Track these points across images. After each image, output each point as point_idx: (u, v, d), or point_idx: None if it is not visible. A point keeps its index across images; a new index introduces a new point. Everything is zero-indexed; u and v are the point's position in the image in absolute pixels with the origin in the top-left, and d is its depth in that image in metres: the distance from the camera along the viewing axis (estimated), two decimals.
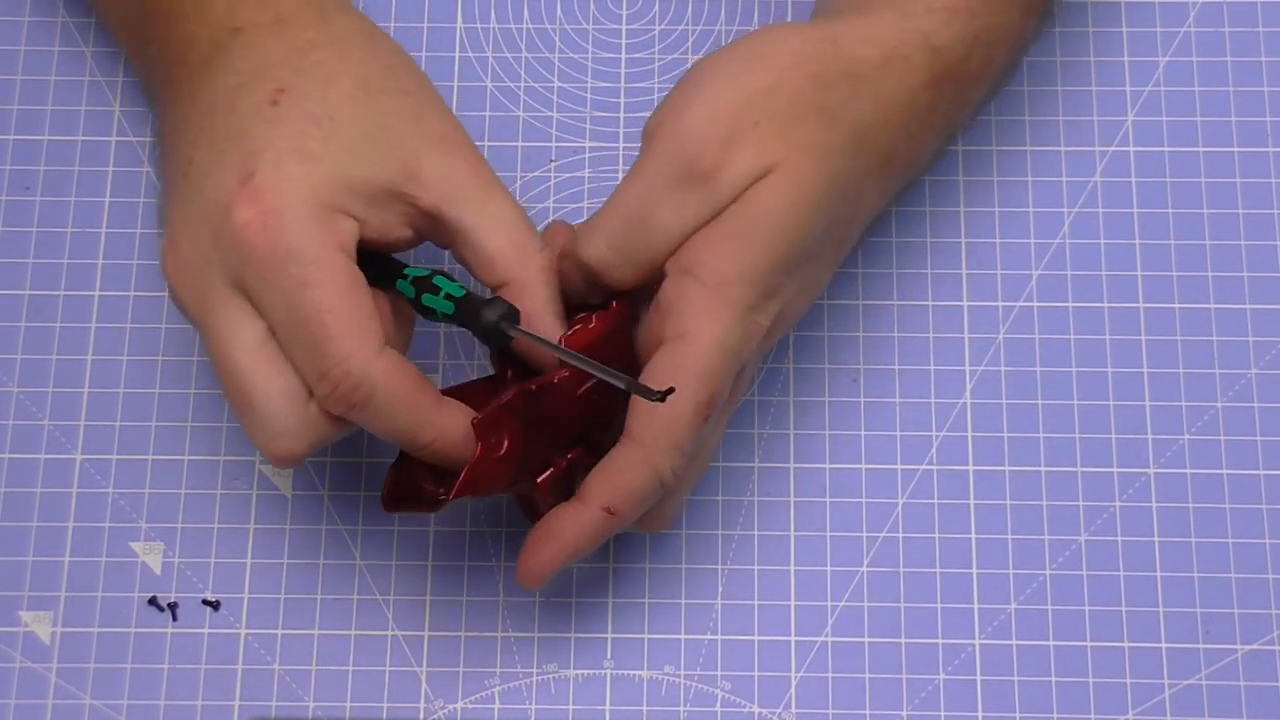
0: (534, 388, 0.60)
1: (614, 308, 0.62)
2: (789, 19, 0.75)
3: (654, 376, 0.59)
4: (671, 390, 0.58)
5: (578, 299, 0.63)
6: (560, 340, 0.60)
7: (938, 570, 0.67)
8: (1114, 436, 0.69)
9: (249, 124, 0.59)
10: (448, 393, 0.61)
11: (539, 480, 0.61)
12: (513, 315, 0.60)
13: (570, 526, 0.60)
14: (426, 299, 0.60)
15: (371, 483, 0.69)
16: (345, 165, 0.59)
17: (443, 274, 0.61)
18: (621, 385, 0.58)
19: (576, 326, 0.61)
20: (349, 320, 0.58)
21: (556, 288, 0.62)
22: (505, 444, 0.59)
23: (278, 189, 0.58)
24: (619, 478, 0.60)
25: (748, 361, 0.61)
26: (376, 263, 0.61)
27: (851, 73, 0.62)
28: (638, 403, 0.59)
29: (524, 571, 0.60)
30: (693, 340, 0.59)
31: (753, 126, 0.60)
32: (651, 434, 0.59)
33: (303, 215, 0.58)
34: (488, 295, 0.61)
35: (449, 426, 0.60)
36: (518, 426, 0.60)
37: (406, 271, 0.61)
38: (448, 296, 0.60)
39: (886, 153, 0.63)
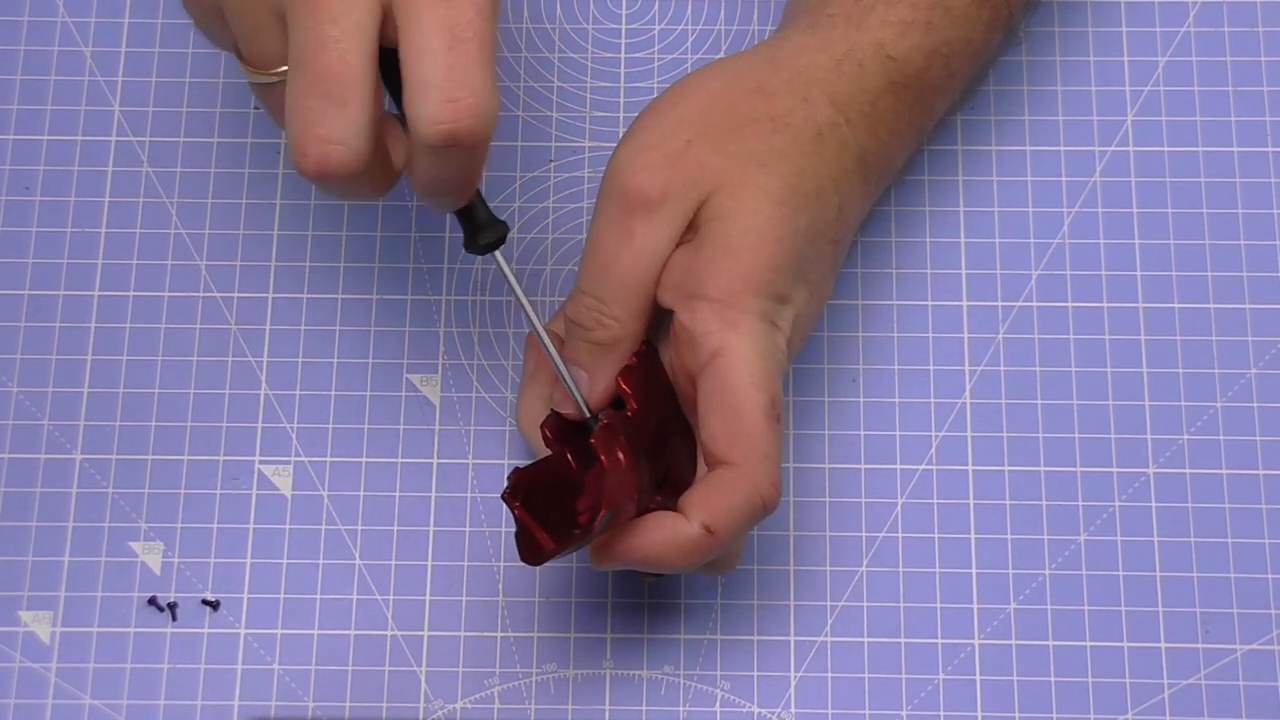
0: (629, 414, 0.61)
1: (643, 349, 0.62)
2: None
3: (709, 401, 0.60)
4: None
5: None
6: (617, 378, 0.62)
7: (937, 570, 0.67)
8: (1113, 436, 0.69)
9: None
10: (523, 474, 0.61)
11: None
12: (502, 241, 0.61)
13: (668, 530, 0.59)
14: None
15: (371, 483, 0.69)
16: None
17: None
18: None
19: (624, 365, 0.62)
20: (494, 54, 0.55)
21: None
22: (623, 456, 0.59)
23: None
24: (717, 493, 0.60)
25: (785, 370, 0.62)
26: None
27: (801, 79, 0.63)
28: (716, 431, 0.60)
29: (598, 548, 0.60)
30: (729, 352, 0.60)
31: (685, 146, 0.62)
32: (739, 451, 0.60)
33: None
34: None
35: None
36: (627, 445, 0.60)
37: None
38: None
39: (858, 153, 0.64)
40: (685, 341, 0.61)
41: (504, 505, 0.60)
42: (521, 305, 0.62)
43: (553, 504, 0.60)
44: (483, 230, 0.61)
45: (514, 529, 0.60)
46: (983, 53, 0.68)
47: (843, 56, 0.64)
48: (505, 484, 0.61)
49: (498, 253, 0.62)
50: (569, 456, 0.62)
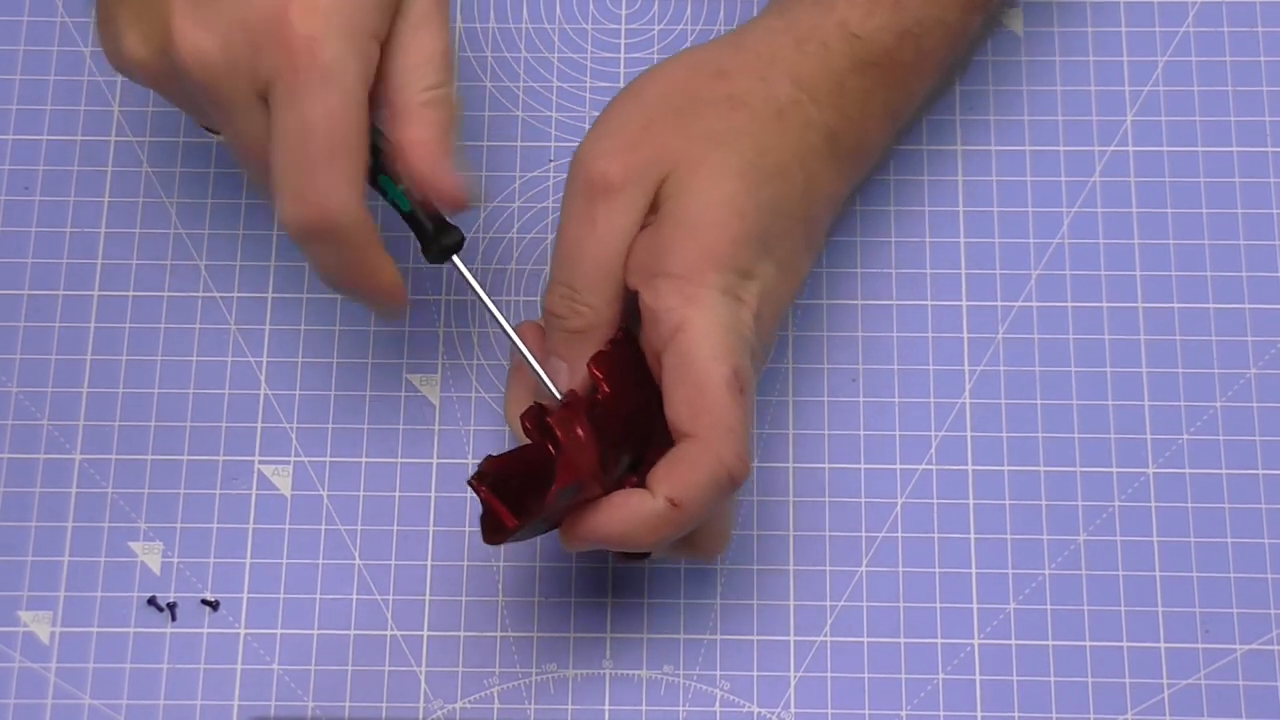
0: (599, 398, 0.61)
1: (619, 335, 0.62)
2: None
3: (672, 376, 0.60)
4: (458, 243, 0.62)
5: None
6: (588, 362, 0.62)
7: (937, 570, 0.67)
8: (1113, 436, 0.69)
9: None
10: (493, 461, 0.61)
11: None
12: (459, 245, 0.63)
13: (633, 505, 0.59)
14: (385, 180, 0.62)
15: (371, 483, 0.69)
16: None
17: None
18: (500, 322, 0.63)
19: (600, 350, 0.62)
20: (352, 157, 0.59)
21: (449, 132, 0.62)
22: (582, 432, 0.59)
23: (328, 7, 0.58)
24: (680, 466, 0.59)
25: (754, 345, 0.62)
26: None
27: (762, 60, 0.64)
28: (679, 405, 0.60)
29: (566, 528, 0.60)
30: (689, 327, 0.60)
31: (644, 129, 0.62)
32: (702, 424, 0.59)
33: (345, 40, 0.58)
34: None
35: (381, 273, 0.61)
36: (588, 424, 0.60)
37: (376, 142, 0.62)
38: (407, 193, 0.62)
39: (824, 131, 0.64)
40: (650, 321, 0.61)
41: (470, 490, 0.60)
42: (485, 305, 0.63)
43: (528, 491, 0.60)
44: (434, 239, 0.62)
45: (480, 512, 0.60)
46: (959, 34, 0.67)
47: (806, 36, 0.64)
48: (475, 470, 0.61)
49: (456, 257, 0.63)
50: (549, 447, 0.62)
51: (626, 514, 0.59)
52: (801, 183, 0.63)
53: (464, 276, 0.63)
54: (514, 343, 0.63)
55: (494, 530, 0.60)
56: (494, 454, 0.61)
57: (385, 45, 0.61)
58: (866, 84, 0.64)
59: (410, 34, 0.61)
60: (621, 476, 0.61)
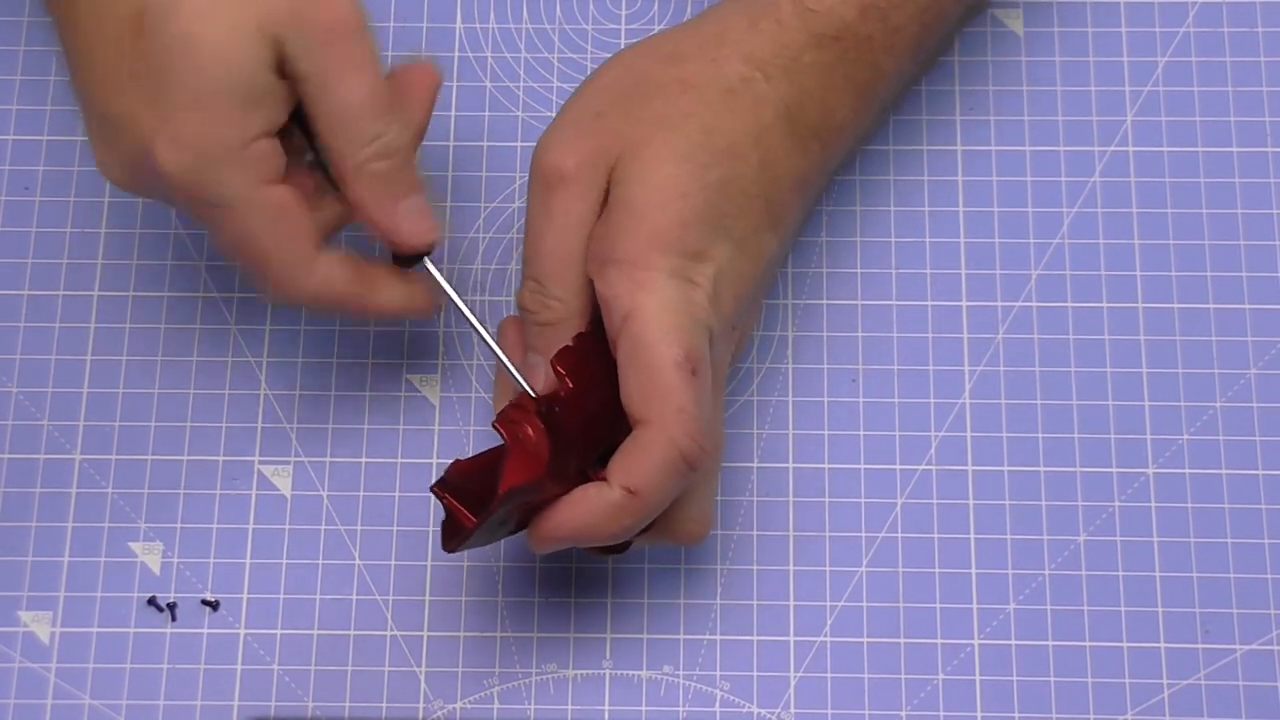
0: (562, 394, 0.61)
1: (588, 329, 0.62)
2: None
3: (625, 363, 0.60)
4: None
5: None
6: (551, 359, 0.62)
7: (936, 570, 0.68)
8: (1113, 436, 0.69)
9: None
10: (461, 465, 0.61)
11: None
12: (430, 249, 0.64)
13: (590, 499, 0.59)
14: None
15: (371, 483, 0.69)
16: (241, 98, 0.59)
17: None
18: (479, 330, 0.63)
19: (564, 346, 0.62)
20: (281, 246, 0.61)
21: (395, 175, 0.63)
22: (533, 433, 0.59)
23: (194, 134, 0.59)
24: (635, 453, 0.59)
25: (712, 326, 0.61)
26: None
27: (713, 41, 0.64)
28: (632, 391, 0.60)
29: (530, 531, 0.60)
30: (639, 312, 0.60)
31: (595, 118, 0.62)
32: (653, 408, 0.59)
33: (218, 165, 0.59)
34: None
35: (385, 301, 0.64)
36: (540, 424, 0.60)
37: None
38: None
39: (780, 107, 0.63)
40: (605, 310, 0.61)
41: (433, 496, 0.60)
42: (458, 306, 0.63)
43: (490, 492, 0.59)
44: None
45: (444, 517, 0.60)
46: (932, 11, 0.67)
47: (760, 14, 0.64)
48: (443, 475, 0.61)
49: (428, 260, 0.63)
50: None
51: (584, 508, 0.59)
52: (756, 161, 0.63)
53: (436, 279, 0.63)
54: (486, 340, 0.63)
55: (452, 535, 0.59)
56: (461, 458, 0.61)
57: (308, 115, 0.61)
58: (826, 58, 0.64)
59: (321, 98, 0.60)
60: (590, 472, 0.61)
